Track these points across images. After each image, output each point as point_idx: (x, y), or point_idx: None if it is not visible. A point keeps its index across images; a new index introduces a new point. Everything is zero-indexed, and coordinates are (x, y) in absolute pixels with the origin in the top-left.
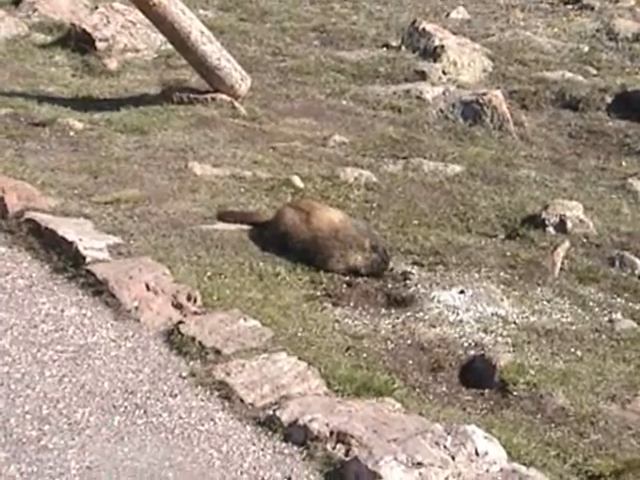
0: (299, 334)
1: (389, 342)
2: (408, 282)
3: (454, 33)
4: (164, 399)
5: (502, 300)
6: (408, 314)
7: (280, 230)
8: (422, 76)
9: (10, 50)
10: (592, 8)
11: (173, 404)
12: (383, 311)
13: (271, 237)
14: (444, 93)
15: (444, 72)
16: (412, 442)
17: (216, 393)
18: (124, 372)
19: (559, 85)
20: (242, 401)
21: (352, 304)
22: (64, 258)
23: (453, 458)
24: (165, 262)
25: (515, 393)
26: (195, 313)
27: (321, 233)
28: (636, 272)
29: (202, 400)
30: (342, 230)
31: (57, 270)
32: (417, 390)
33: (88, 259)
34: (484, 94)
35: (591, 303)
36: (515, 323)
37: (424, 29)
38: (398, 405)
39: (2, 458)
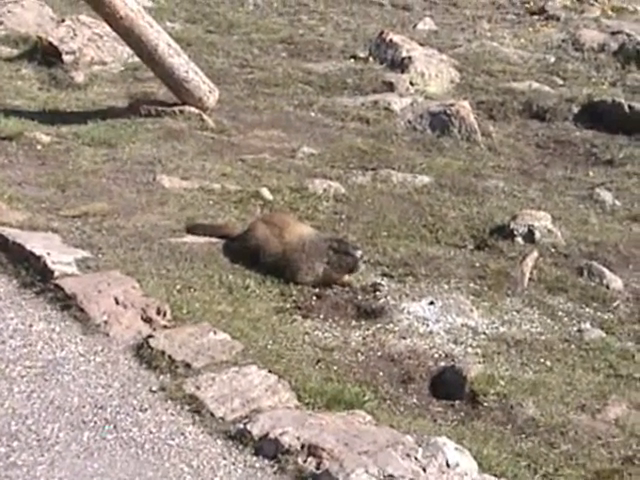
0: (269, 347)
1: (359, 354)
2: (378, 294)
3: (421, 44)
4: (134, 414)
5: (472, 311)
6: (378, 326)
7: (252, 244)
8: (390, 87)
9: None
10: (558, 19)
11: (143, 418)
12: (353, 323)
13: (242, 250)
14: (412, 104)
15: (412, 83)
16: (383, 454)
17: (186, 407)
18: (93, 387)
19: (526, 95)
20: (212, 415)
21: (322, 316)
22: (32, 272)
23: (424, 470)
24: (134, 276)
25: (485, 404)
26: (165, 327)
27: (290, 247)
28: (604, 282)
29: (172, 414)
30: (308, 243)
31: (25, 285)
32: (388, 402)
33: (56, 273)
34: (452, 105)
35: (560, 313)
36: (485, 334)
37: (391, 40)
38: (369, 417)
39: None
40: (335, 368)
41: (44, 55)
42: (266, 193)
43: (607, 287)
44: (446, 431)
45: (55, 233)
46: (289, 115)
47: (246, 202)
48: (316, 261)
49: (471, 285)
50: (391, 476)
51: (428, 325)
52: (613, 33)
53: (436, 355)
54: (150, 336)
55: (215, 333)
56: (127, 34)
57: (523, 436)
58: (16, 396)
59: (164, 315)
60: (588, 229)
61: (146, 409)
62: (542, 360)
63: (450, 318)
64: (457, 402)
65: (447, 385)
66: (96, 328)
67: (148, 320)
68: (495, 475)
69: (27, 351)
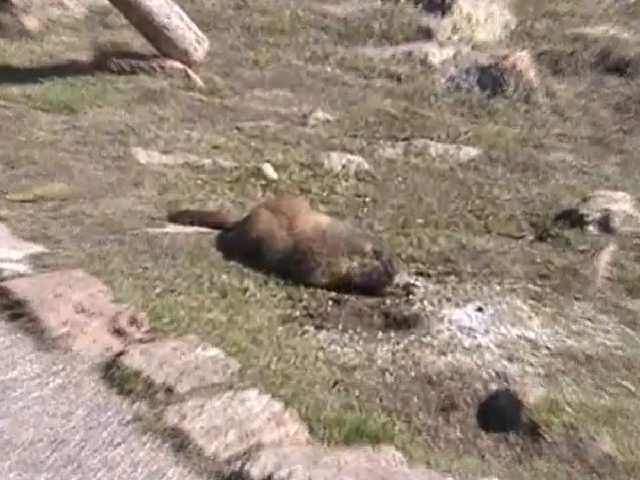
0: (273, 366)
1: (388, 374)
2: (411, 297)
3: None
4: (102, 450)
5: (530, 319)
6: (412, 338)
7: (252, 236)
8: (427, 34)
9: None
10: None
11: (114, 456)
12: (380, 335)
13: (239, 244)
14: (455, 56)
15: (455, 29)
16: None
17: (168, 442)
18: (52, 416)
19: (601, 44)
20: (201, 452)
21: (340, 326)
22: None
23: None
24: (102, 276)
25: (548, 437)
26: (140, 341)
27: (305, 238)
28: None
29: (151, 451)
30: (331, 235)
31: None
32: (424, 435)
33: (5, 273)
34: (506, 57)
35: None
36: (547, 348)
37: None
38: (399, 454)
39: None
40: (357, 392)
41: None
42: (269, 171)
43: None
44: (497, 471)
45: (2, 222)
46: (298, 71)
47: (244, 182)
48: (341, 257)
49: (530, 286)
50: None
51: (475, 337)
52: None
53: (485, 375)
54: (122, 353)
55: (204, 348)
56: None
57: (596, 477)
58: None
59: (140, 326)
60: None
61: (118, 444)
62: (620, 381)
63: (503, 328)
64: (512, 435)
65: (499, 413)
66: (54, 342)
67: (119, 332)
68: None
69: None
